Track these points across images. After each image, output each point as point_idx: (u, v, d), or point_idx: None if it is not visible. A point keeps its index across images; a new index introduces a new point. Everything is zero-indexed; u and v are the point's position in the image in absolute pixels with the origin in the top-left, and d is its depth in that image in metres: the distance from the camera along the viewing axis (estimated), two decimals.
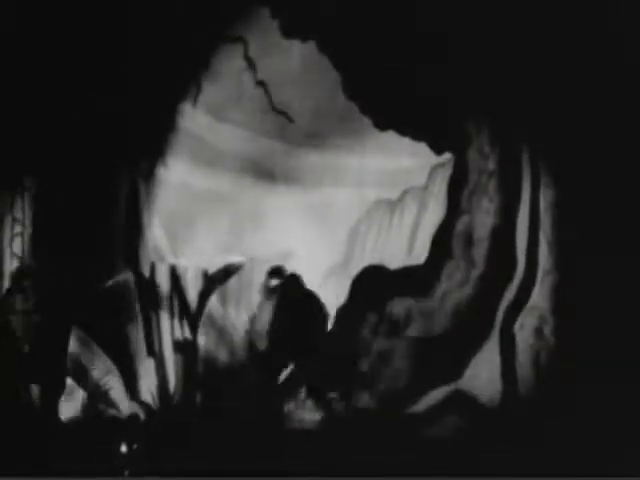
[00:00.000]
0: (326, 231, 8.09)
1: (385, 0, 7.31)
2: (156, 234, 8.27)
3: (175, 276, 7.92)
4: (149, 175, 8.40)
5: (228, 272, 7.97)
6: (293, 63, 8.00)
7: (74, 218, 8.03)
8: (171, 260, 8.09)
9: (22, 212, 8.20)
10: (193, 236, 8.26)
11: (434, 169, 7.82)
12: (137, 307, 7.81)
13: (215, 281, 7.96)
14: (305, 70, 7.96)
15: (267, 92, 8.22)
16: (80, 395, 7.57)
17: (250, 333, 7.87)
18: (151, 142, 8.37)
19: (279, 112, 8.21)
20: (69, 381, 7.55)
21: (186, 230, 8.28)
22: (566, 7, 6.45)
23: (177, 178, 8.42)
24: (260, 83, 8.23)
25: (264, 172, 8.31)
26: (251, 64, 8.23)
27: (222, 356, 7.86)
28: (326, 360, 7.50)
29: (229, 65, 8.29)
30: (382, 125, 7.76)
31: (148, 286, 7.89)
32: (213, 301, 7.99)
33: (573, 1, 6.46)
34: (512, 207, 6.98)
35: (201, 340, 7.84)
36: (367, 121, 7.78)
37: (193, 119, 8.44)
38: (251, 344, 7.84)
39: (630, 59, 6.29)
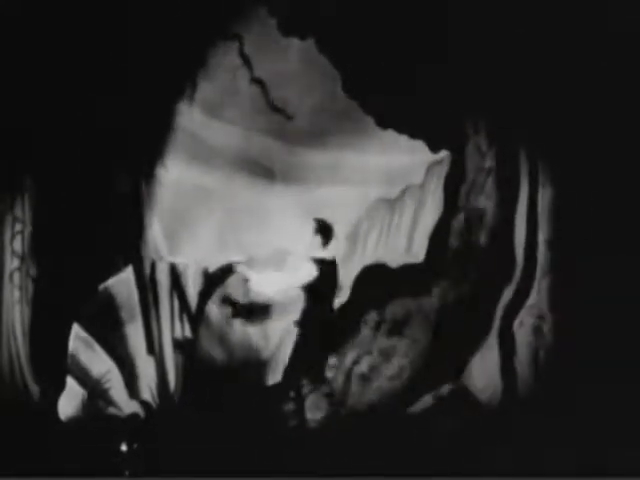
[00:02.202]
0: None
1: None
2: (154, 233, 8.27)
3: (175, 275, 7.90)
4: (149, 174, 8.40)
5: (228, 271, 7.96)
6: (291, 61, 7.99)
7: (74, 217, 8.02)
8: (169, 259, 8.08)
9: (22, 211, 8.19)
10: (191, 235, 8.24)
11: (431, 167, 7.81)
12: (137, 306, 7.80)
13: (215, 280, 7.95)
14: (304, 68, 7.95)
15: (264, 90, 8.21)
16: (80, 394, 7.56)
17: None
18: (150, 141, 8.36)
19: (276, 110, 8.20)
20: (69, 380, 7.56)
21: (183, 229, 8.27)
22: (566, 7, 6.45)
23: (174, 177, 8.41)
24: (256, 81, 8.22)
25: (262, 170, 8.30)
26: (247, 61, 8.22)
27: (220, 356, 7.88)
28: None
29: (225, 62, 8.28)
30: (382, 123, 7.76)
31: (148, 285, 7.88)
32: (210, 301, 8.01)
33: (573, 1, 6.47)
34: (510, 205, 6.99)
35: (200, 339, 7.84)
36: (367, 119, 7.77)
37: (189, 117, 8.43)
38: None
39: (630, 59, 6.30)
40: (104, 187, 8.17)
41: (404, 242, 7.90)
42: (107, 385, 7.61)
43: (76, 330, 7.62)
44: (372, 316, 7.46)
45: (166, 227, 8.26)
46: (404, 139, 7.67)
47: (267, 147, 8.23)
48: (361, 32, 7.40)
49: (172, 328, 7.78)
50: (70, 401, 7.53)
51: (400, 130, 7.67)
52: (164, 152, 8.35)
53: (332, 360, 7.51)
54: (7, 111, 7.82)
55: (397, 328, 7.35)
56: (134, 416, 7.51)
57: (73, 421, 7.46)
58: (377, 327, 7.43)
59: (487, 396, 6.78)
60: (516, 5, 6.63)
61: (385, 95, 7.61)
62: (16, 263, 8.20)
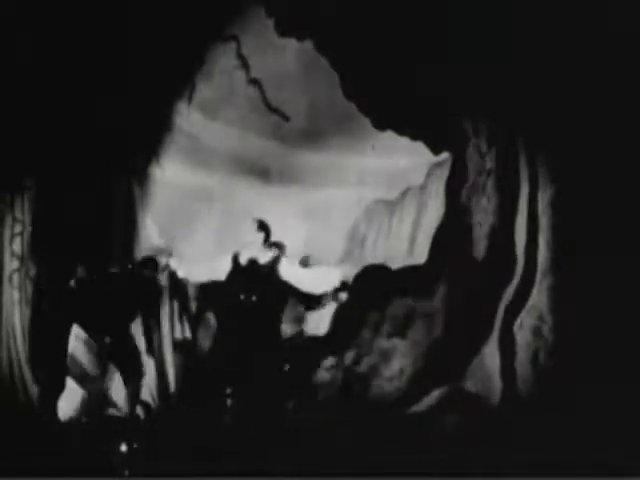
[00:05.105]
0: (325, 231, 8.08)
1: None
2: (149, 234, 8.26)
3: (174, 275, 7.90)
4: (143, 174, 8.42)
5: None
6: (289, 62, 8.01)
7: (74, 218, 8.04)
8: (164, 260, 8.07)
9: (22, 211, 8.20)
10: (188, 236, 8.25)
11: (432, 169, 7.81)
12: (137, 306, 7.79)
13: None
14: (302, 69, 7.97)
15: (261, 91, 8.22)
16: (79, 395, 7.56)
17: None
18: (146, 141, 8.38)
19: (274, 111, 8.21)
20: (68, 381, 7.55)
21: (181, 230, 8.27)
22: (566, 7, 6.45)
23: (171, 177, 8.43)
24: (253, 82, 8.23)
25: (260, 171, 8.32)
26: (244, 62, 8.23)
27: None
28: None
29: (222, 63, 8.29)
30: (380, 125, 7.75)
31: (148, 286, 7.88)
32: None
33: (573, 1, 6.46)
34: (510, 206, 6.98)
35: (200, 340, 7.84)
36: (365, 121, 7.77)
37: (187, 118, 8.45)
38: None
39: (630, 59, 6.29)
40: (103, 187, 8.20)
41: (405, 243, 7.90)
42: (107, 386, 7.60)
43: (76, 331, 7.62)
44: (372, 317, 7.46)
45: (161, 228, 8.26)
46: (404, 141, 7.67)
47: (264, 148, 8.25)
48: (360, 32, 7.41)
49: (172, 329, 7.78)
50: (70, 402, 7.53)
51: (400, 132, 7.66)
52: (159, 151, 8.38)
53: (331, 360, 7.53)
54: (7, 112, 7.85)
55: (397, 329, 7.35)
56: (134, 417, 7.51)
57: (73, 422, 7.46)
58: (377, 328, 7.43)
59: (487, 397, 6.77)
60: (516, 6, 6.62)
61: (384, 96, 7.61)
62: (15, 264, 8.21)
